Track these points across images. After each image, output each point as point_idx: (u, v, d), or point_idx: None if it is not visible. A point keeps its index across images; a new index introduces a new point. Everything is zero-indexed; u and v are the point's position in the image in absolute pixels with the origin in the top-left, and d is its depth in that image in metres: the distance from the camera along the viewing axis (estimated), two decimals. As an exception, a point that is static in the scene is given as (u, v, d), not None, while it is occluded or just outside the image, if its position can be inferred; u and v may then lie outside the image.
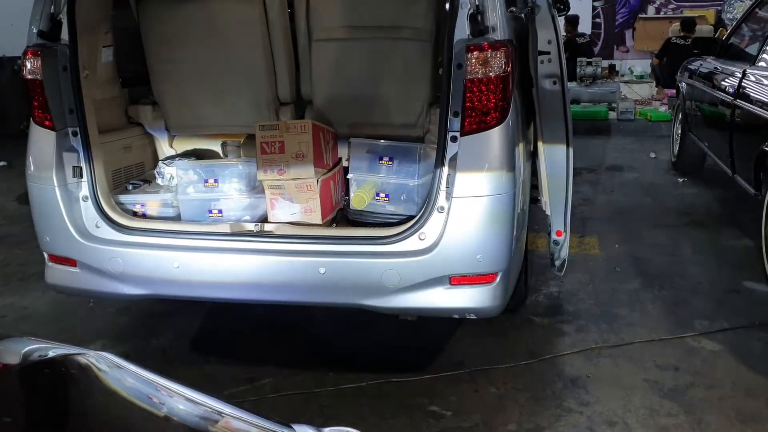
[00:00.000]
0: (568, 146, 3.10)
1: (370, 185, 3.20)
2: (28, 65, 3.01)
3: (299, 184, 3.08)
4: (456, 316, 2.96)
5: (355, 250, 2.87)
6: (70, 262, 3.06)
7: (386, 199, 3.18)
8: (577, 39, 11.14)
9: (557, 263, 3.47)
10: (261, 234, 2.99)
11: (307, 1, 3.39)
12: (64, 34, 3.00)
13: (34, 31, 3.00)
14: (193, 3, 3.42)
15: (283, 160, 3.06)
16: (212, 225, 3.09)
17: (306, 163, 3.05)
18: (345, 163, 3.44)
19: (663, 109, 9.78)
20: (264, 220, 3.14)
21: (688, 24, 10.38)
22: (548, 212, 3.30)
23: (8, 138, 9.11)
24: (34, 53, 2.99)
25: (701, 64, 6.25)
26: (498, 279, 2.75)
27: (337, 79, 3.46)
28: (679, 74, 7.11)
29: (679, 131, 7.08)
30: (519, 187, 2.81)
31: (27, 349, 1.36)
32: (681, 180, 6.84)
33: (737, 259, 4.61)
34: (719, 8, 12.11)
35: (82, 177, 3.03)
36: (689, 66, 6.74)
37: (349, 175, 3.23)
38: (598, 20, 12.57)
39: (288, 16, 3.49)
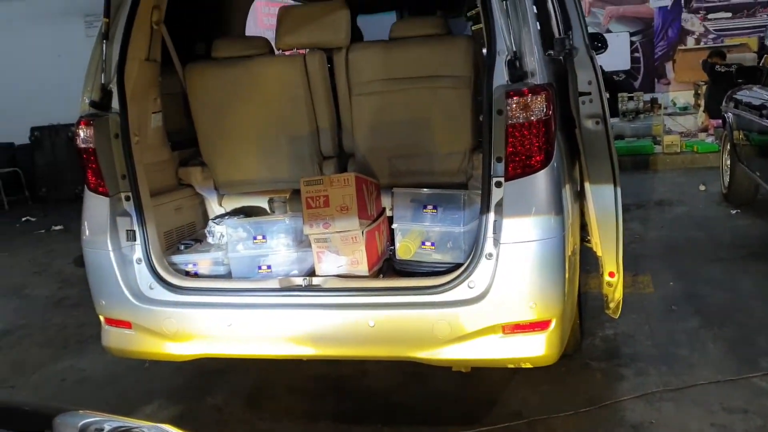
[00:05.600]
0: (615, 185, 3.06)
1: (415, 234, 3.20)
2: (82, 134, 3.10)
3: (345, 236, 3.09)
4: (511, 366, 2.90)
5: (403, 301, 2.85)
6: (125, 324, 3.11)
7: (432, 247, 3.16)
8: (614, 77, 11.14)
9: (611, 305, 3.37)
10: (309, 288, 3.00)
11: (346, 58, 3.47)
12: (115, 103, 3.10)
13: (87, 101, 3.10)
14: (237, 66, 3.53)
15: (328, 214, 3.09)
16: (262, 281, 3.12)
17: (350, 216, 3.07)
18: (389, 213, 3.44)
19: (710, 140, 9.59)
20: (312, 273, 3.15)
21: (720, 55, 10.32)
22: (599, 253, 3.23)
23: (64, 202, 9.48)
24: (87, 123, 3.08)
25: (747, 93, 6.14)
26: (553, 325, 2.69)
27: (378, 131, 3.51)
28: (724, 104, 7.00)
29: (728, 162, 6.92)
30: (568, 230, 2.76)
31: (83, 423, 1.37)
32: (734, 212, 6.66)
33: (801, 292, 4.44)
34: (761, 35, 11.92)
35: (135, 240, 3.10)
36: (734, 96, 6.62)
37: (394, 225, 3.23)
38: (636, 54, 12.49)
39: (328, 73, 3.56)
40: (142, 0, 3.16)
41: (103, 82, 3.07)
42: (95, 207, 3.12)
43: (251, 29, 5.01)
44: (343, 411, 3.44)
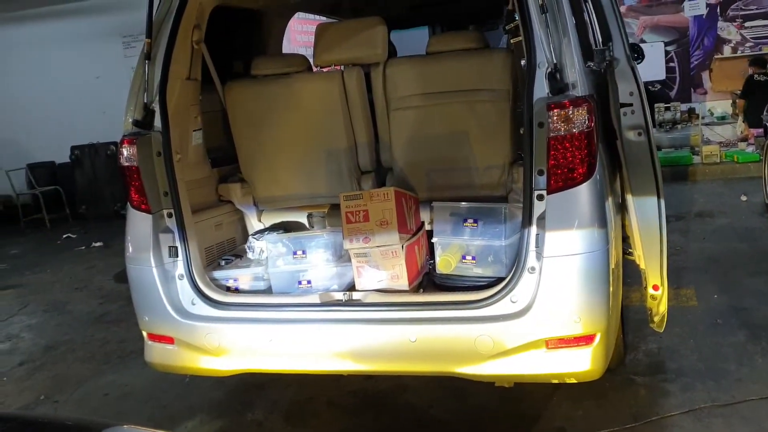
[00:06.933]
0: (659, 197, 3.00)
1: (455, 248, 3.17)
2: (125, 153, 3.14)
3: (384, 251, 3.08)
4: (555, 381, 2.85)
5: (445, 316, 2.82)
6: (168, 339, 3.14)
7: (473, 261, 3.14)
8: (650, 87, 11.02)
9: (656, 319, 3.31)
10: (349, 303, 3.00)
11: (383, 74, 3.48)
12: (157, 122, 3.15)
13: (130, 120, 3.16)
14: (275, 83, 3.57)
15: (367, 229, 3.09)
16: (302, 296, 3.12)
17: (390, 230, 3.06)
18: (428, 227, 3.43)
19: (750, 149, 9.40)
20: (351, 288, 3.15)
21: (761, 62, 10.14)
22: (642, 266, 3.17)
23: (103, 219, 9.67)
24: (130, 141, 3.12)
25: (789, 102, 6.02)
26: (598, 339, 2.65)
27: (416, 145, 3.51)
28: (765, 113, 6.86)
29: (771, 172, 6.78)
30: (612, 243, 2.72)
31: None
32: (778, 223, 6.52)
33: None
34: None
35: (177, 256, 3.13)
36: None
37: (434, 239, 3.21)
38: (672, 64, 12.33)
39: (366, 88, 3.58)
40: (183, 20, 3.22)
41: (145, 101, 3.13)
42: (138, 224, 3.16)
43: (285, 47, 5.06)
44: (383, 426, 3.42)
